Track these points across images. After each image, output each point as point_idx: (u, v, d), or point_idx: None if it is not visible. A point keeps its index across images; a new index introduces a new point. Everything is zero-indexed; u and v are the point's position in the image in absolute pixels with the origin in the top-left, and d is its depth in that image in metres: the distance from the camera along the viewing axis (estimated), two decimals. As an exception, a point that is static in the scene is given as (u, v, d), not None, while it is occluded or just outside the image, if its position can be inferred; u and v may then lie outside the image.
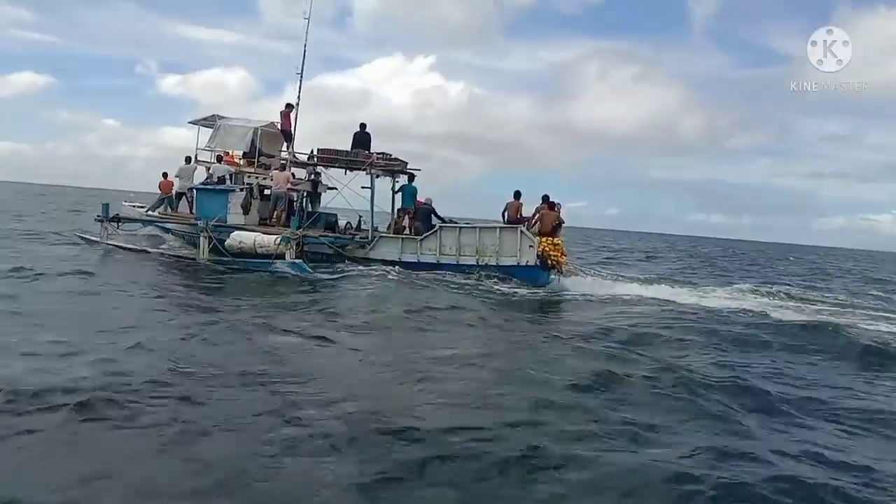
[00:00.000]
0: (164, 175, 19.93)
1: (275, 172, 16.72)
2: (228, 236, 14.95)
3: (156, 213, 18.99)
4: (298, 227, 15.57)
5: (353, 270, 14.83)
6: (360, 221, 18.33)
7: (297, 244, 14.74)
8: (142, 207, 20.04)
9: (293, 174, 17.35)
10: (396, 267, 15.39)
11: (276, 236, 14.46)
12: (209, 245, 15.06)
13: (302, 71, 17.82)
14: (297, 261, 14.22)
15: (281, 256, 14.24)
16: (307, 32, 17.88)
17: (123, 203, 20.61)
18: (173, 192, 18.93)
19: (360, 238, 16.96)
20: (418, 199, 17.00)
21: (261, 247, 14.43)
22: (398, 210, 17.33)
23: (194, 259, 15.12)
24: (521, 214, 15.60)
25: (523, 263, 15.15)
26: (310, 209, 18.69)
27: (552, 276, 15.28)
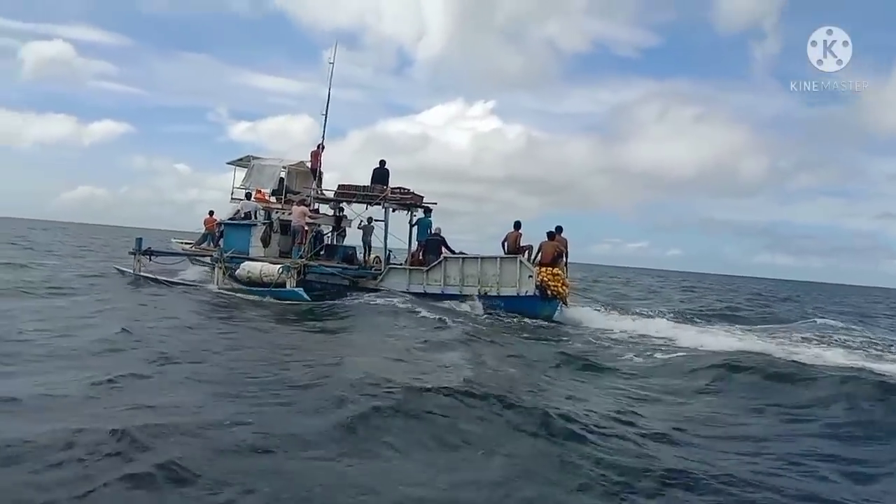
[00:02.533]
0: (211, 213, 21.39)
1: (294, 207, 17.53)
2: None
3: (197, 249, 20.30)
4: (300, 258, 16.10)
5: (356, 299, 15.16)
6: (388, 255, 18.78)
7: (299, 273, 15.29)
8: (189, 244, 21.46)
9: (313, 209, 18.13)
10: (405, 296, 15.62)
11: (279, 266, 15.10)
12: (224, 275, 15.92)
13: (326, 113, 18.77)
14: (296, 289, 14.77)
15: (282, 285, 14.84)
16: (331, 77, 18.86)
17: (172, 240, 22.15)
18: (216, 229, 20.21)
19: (375, 270, 17.44)
20: (429, 231, 17.30)
21: (266, 276, 15.13)
22: (417, 242, 17.70)
23: (206, 287, 16.00)
24: (519, 244, 15.51)
25: (523, 293, 15.02)
26: (335, 242, 19.51)
27: (556, 307, 15.02)
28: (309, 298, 14.59)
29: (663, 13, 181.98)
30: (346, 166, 44.69)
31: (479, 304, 14.90)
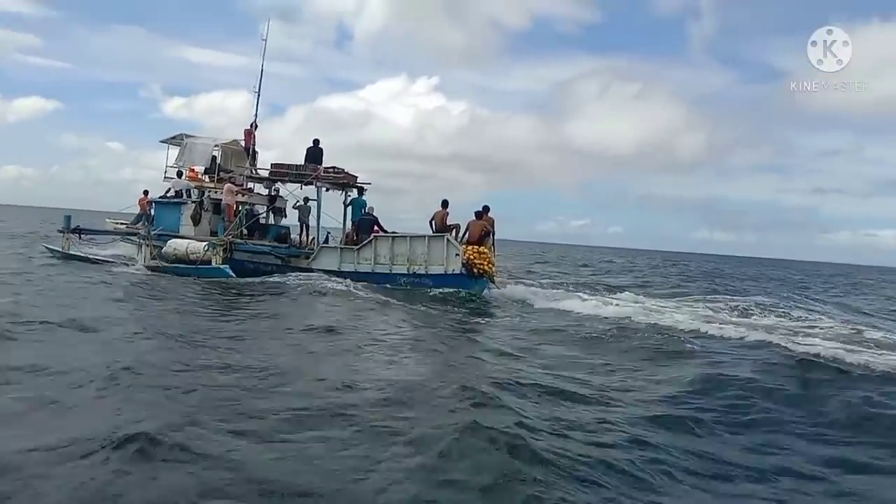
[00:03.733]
0: (145, 192, 21.06)
1: (224, 186, 17.40)
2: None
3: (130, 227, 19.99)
4: (225, 234, 16.05)
5: (281, 280, 15.17)
6: (327, 236, 18.77)
7: (225, 250, 15.24)
8: (124, 224, 21.12)
9: (245, 188, 18.05)
10: (331, 276, 15.71)
11: (205, 243, 15.03)
12: (150, 253, 15.76)
13: (258, 91, 18.90)
14: (222, 266, 14.73)
15: (208, 262, 14.77)
16: (264, 54, 18.88)
17: (107, 220, 21.77)
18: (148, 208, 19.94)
19: (308, 249, 17.45)
20: (363, 210, 17.37)
21: (192, 253, 15.08)
22: (351, 223, 17.74)
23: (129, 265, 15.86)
24: (447, 223, 15.70)
25: (450, 271, 15.23)
26: (271, 222, 19.43)
27: (483, 285, 15.28)
28: (234, 275, 14.56)
29: None
30: (286, 143, 44.25)
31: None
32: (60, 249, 17.21)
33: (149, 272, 15.13)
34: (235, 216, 16.91)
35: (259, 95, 18.78)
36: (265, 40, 18.90)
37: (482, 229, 15.35)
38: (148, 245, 15.81)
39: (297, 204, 18.75)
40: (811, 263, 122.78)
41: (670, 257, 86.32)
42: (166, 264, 15.47)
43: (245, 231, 17.62)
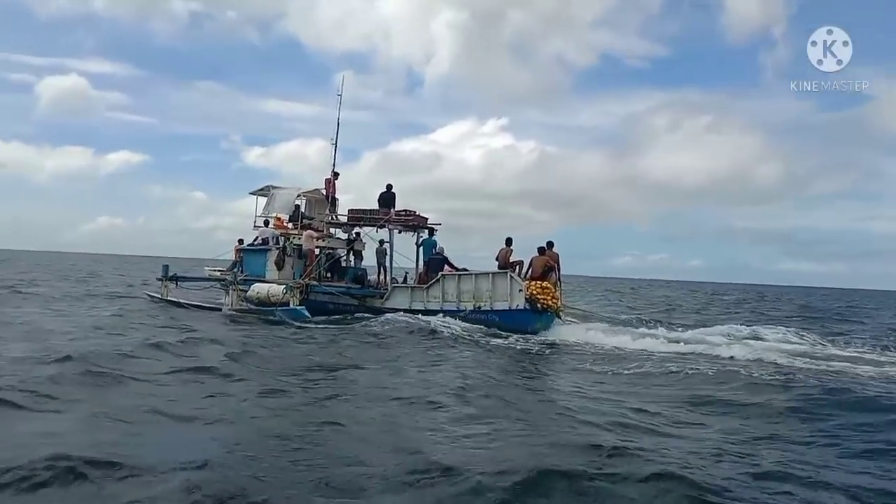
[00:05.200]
0: (240, 241, 22.75)
1: (304, 232, 18.58)
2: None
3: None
4: (301, 277, 17.10)
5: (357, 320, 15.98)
6: (405, 277, 19.63)
7: (301, 292, 16.27)
8: (221, 270, 22.85)
9: (325, 232, 19.21)
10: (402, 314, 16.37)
11: (283, 286, 16.12)
12: (237, 296, 17.07)
13: (336, 142, 20.05)
14: (298, 307, 15.74)
15: (287, 304, 15.83)
16: (339, 108, 20.19)
17: (206, 268, 23.61)
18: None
19: (383, 289, 18.27)
20: (434, 250, 18.02)
21: (273, 296, 16.18)
22: (423, 262, 18.45)
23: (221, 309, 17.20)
24: (510, 260, 16.03)
25: (514, 307, 15.52)
26: (352, 265, 20.45)
27: (550, 320, 15.43)
28: (309, 315, 15.50)
29: (671, 23, 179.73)
30: (360, 187, 46.28)
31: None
32: (160, 296, 18.89)
33: (236, 314, 16.39)
34: (315, 261, 18.03)
35: (336, 146, 20.00)
36: (340, 95, 20.24)
37: (545, 264, 15.58)
38: (235, 289, 17.11)
39: (377, 248, 19.77)
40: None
41: (762, 290, 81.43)
42: (251, 306, 16.69)
43: (328, 274, 18.82)
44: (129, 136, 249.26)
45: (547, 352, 12.81)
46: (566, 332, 15.17)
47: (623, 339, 14.00)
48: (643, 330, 15.67)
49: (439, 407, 6.95)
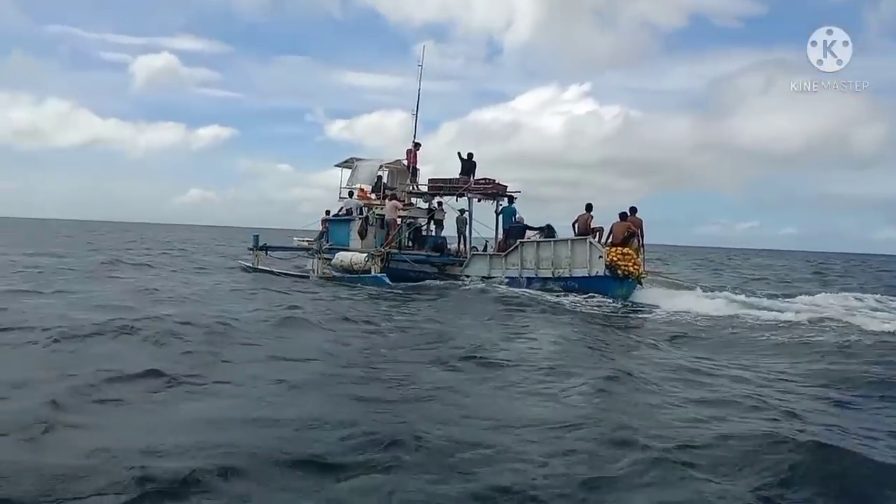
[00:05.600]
0: (327, 212, 23.49)
1: (387, 202, 18.95)
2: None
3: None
4: (382, 246, 17.48)
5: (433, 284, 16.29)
6: (486, 245, 19.74)
7: (382, 260, 16.66)
8: (309, 240, 23.72)
9: (407, 203, 19.51)
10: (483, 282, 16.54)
11: (365, 255, 16.56)
12: (322, 264, 17.70)
13: (417, 113, 20.26)
14: (380, 275, 16.16)
15: (368, 271, 16.27)
16: (420, 79, 20.29)
17: (294, 238, 24.54)
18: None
19: (462, 257, 18.44)
20: (514, 219, 17.97)
21: (355, 264, 16.67)
22: (503, 230, 18.47)
23: (308, 276, 17.87)
24: (590, 226, 15.76)
25: (593, 274, 15.30)
26: (433, 233, 20.72)
27: (632, 287, 15.14)
28: (390, 283, 15.90)
29: None
30: (438, 158, 46.03)
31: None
32: (252, 265, 19.81)
33: (321, 280, 17.02)
34: (397, 230, 18.39)
35: (417, 117, 20.20)
36: (421, 65, 20.37)
37: (626, 230, 15.23)
38: (320, 258, 17.74)
39: (457, 217, 19.93)
40: None
41: (854, 259, 75.70)
42: (336, 273, 17.27)
43: (410, 242, 19.20)
44: (218, 111, 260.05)
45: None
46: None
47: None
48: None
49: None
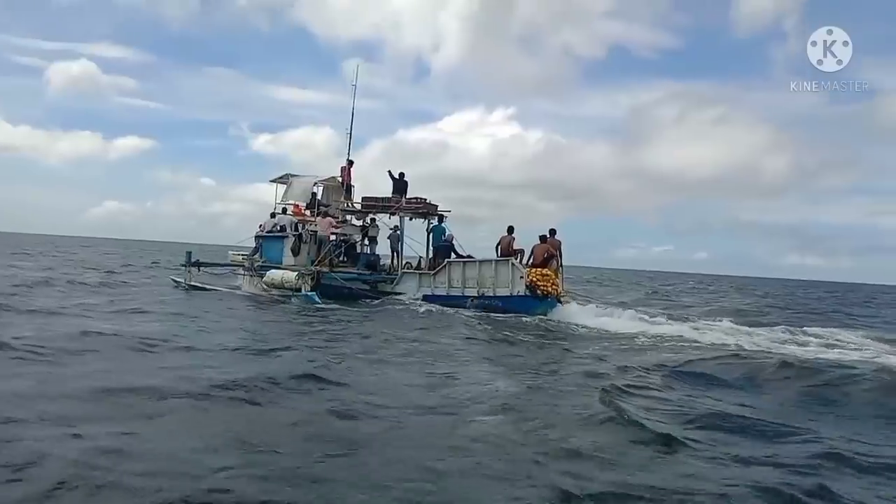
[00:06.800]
0: (261, 227, 23.70)
1: (319, 219, 19.34)
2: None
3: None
4: (315, 263, 17.92)
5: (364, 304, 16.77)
6: (419, 262, 20.27)
7: (313, 279, 17.08)
8: (244, 255, 23.83)
9: (340, 220, 19.96)
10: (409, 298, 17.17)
11: (295, 273, 16.95)
12: (254, 282, 17.98)
13: (350, 131, 20.81)
14: (309, 293, 16.55)
15: (300, 289, 16.66)
16: (354, 98, 20.85)
17: (229, 253, 24.60)
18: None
19: (392, 275, 18.99)
20: (443, 237, 18.63)
21: (286, 282, 17.02)
22: (433, 249, 19.09)
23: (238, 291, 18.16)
24: (512, 248, 16.55)
25: (515, 293, 16.08)
26: (366, 251, 21.19)
27: (551, 305, 15.92)
28: (319, 301, 16.30)
29: (683, 14, 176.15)
30: (367, 175, 46.67)
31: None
32: (184, 281, 19.88)
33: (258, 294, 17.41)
34: (331, 247, 18.82)
35: (351, 135, 20.74)
36: (355, 84, 20.92)
37: (545, 252, 16.07)
38: (252, 275, 18.02)
39: (389, 234, 20.45)
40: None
41: (757, 284, 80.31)
42: (265, 290, 17.58)
43: (344, 259, 19.63)
44: (138, 122, 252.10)
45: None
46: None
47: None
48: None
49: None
